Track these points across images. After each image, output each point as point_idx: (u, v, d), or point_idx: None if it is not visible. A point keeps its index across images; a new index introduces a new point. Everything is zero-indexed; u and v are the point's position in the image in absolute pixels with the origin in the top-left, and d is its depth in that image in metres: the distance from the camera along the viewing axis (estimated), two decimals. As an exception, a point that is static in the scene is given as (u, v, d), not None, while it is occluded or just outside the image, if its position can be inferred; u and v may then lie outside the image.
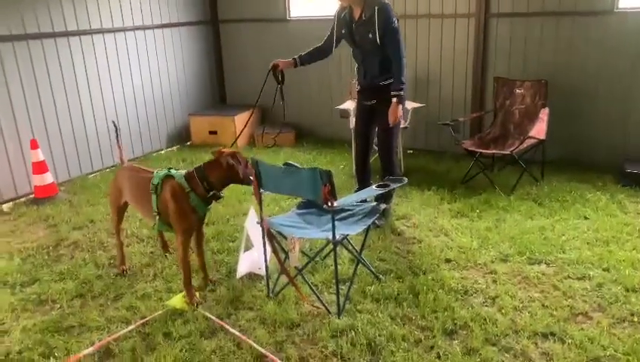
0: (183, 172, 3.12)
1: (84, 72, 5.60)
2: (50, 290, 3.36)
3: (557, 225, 4.03)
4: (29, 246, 4.04)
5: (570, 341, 2.72)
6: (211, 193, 3.04)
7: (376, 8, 3.67)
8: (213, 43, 7.22)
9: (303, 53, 4.01)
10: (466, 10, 5.59)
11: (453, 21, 5.69)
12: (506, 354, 2.65)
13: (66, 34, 5.36)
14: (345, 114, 5.45)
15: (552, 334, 2.78)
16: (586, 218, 4.15)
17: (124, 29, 5.98)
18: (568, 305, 3.03)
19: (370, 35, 3.74)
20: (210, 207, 3.16)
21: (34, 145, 4.96)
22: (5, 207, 4.89)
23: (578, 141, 5.36)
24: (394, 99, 3.78)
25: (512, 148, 4.73)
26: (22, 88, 5.03)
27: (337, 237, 2.85)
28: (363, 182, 4.22)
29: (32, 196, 5.05)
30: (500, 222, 4.13)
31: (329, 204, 2.71)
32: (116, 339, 2.85)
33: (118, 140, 3.60)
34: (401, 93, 3.78)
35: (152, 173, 3.21)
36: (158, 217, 3.14)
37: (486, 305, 3.07)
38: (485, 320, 2.90)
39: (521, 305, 3.04)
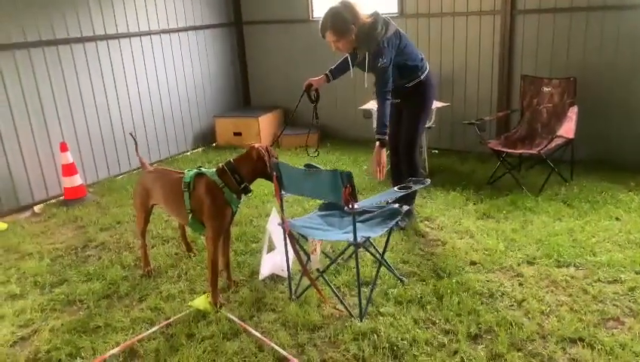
0: (214, 169, 3.16)
1: (112, 75, 5.72)
2: (78, 291, 3.43)
3: (587, 226, 3.92)
4: (59, 246, 4.14)
5: (600, 347, 2.63)
6: (243, 186, 3.09)
7: (366, 54, 3.63)
8: (237, 45, 7.28)
9: (332, 67, 3.99)
10: (492, 7, 5.49)
11: (478, 18, 5.60)
12: (533, 360, 2.59)
13: (94, 38, 5.47)
14: (368, 114, 5.42)
15: (581, 339, 2.70)
16: (617, 219, 4.03)
17: (149, 33, 6.07)
18: (598, 310, 2.94)
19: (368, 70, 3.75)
20: (241, 202, 3.19)
21: (63, 147, 5.08)
22: (37, 208, 5.03)
23: (609, 140, 5.21)
24: (376, 143, 3.63)
25: (539, 148, 4.62)
26: (52, 92, 5.16)
27: (359, 239, 2.83)
28: (397, 182, 4.16)
29: (62, 197, 5.18)
30: (527, 223, 4.04)
31: (350, 206, 2.70)
32: (141, 340, 2.89)
33: (137, 150, 3.71)
34: (384, 138, 3.62)
35: (182, 173, 3.27)
36: (190, 215, 3.18)
37: (512, 309, 3.00)
38: (511, 324, 2.84)
39: (548, 309, 2.97)
